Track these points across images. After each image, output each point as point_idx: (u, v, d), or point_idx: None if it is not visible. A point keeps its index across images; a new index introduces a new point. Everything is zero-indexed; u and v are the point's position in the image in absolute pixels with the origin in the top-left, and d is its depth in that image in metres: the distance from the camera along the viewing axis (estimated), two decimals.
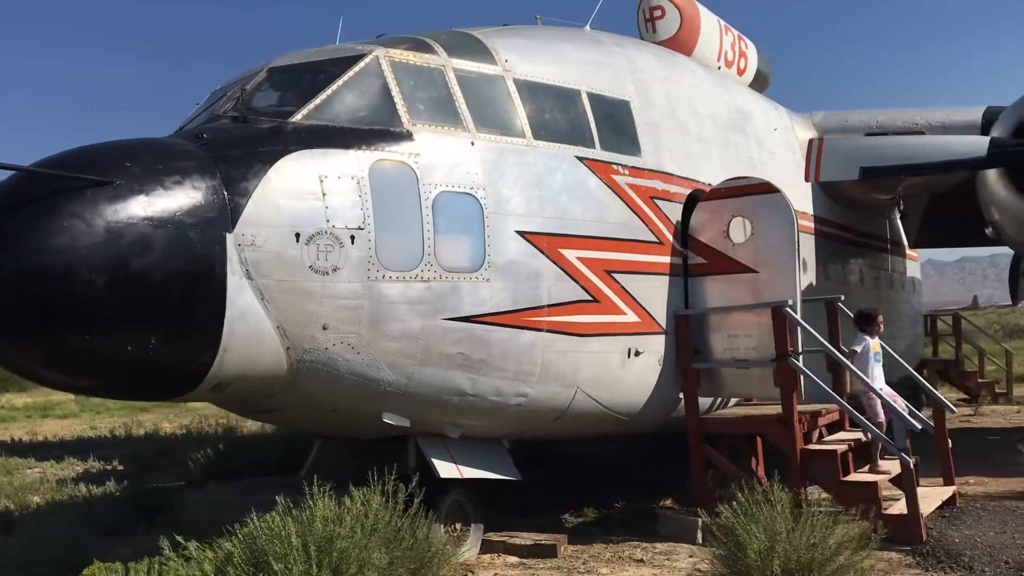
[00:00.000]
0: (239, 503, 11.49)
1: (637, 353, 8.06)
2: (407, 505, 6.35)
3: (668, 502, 9.82)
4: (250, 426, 23.23)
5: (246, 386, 6.22)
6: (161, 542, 6.31)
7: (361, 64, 6.85)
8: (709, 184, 9.19)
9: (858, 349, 8.32)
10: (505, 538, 8.08)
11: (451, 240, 6.76)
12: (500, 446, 7.96)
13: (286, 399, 6.53)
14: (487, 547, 7.96)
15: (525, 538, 8.07)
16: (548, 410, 7.61)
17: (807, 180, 10.54)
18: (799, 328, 8.05)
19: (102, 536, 9.59)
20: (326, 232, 6.18)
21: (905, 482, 7.40)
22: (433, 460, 7.19)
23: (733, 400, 9.30)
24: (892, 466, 8.09)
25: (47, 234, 5.24)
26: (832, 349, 8.27)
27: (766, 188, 8.44)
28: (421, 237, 6.59)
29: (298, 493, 11.08)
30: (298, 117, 6.52)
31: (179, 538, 6.41)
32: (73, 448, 19.18)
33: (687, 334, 8.42)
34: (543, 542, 7.96)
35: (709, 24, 11.48)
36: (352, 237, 6.28)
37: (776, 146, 11.34)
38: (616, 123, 8.27)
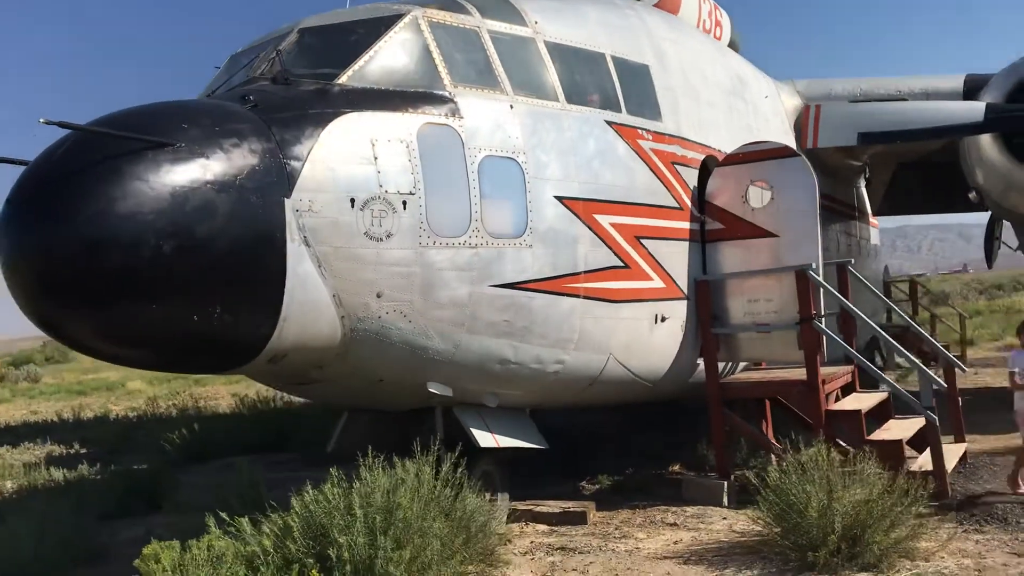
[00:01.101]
0: (229, 481, 11.37)
1: (663, 319, 8.14)
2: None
3: (677, 467, 10.01)
4: (209, 406, 22.83)
5: (300, 357, 6.09)
6: (207, 519, 6.17)
7: (400, 24, 6.71)
8: (720, 150, 9.30)
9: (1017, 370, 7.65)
10: (531, 507, 8.12)
11: (496, 206, 6.71)
12: (525, 415, 7.97)
13: (336, 370, 6.41)
14: (512, 516, 8.00)
15: (552, 506, 8.12)
16: (583, 377, 7.64)
17: (805, 146, 10.74)
18: (821, 291, 8.23)
19: (102, 520, 9.35)
20: (380, 197, 6.07)
21: (931, 439, 7.65)
22: (472, 430, 7.16)
23: (741, 365, 9.48)
24: (902, 426, 8.41)
25: (112, 199, 5.03)
26: (854, 309, 8.47)
27: (785, 152, 8.58)
28: (468, 203, 6.53)
29: (302, 468, 10.96)
30: (343, 79, 6.36)
31: (223, 515, 6.27)
32: (23, 433, 18.55)
33: (707, 299, 8.53)
34: (571, 509, 8.04)
35: None
36: (404, 203, 6.18)
37: (769, 113, 11.51)
38: (639, 88, 8.29)
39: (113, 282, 5.07)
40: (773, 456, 8.43)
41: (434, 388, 6.81)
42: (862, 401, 8.53)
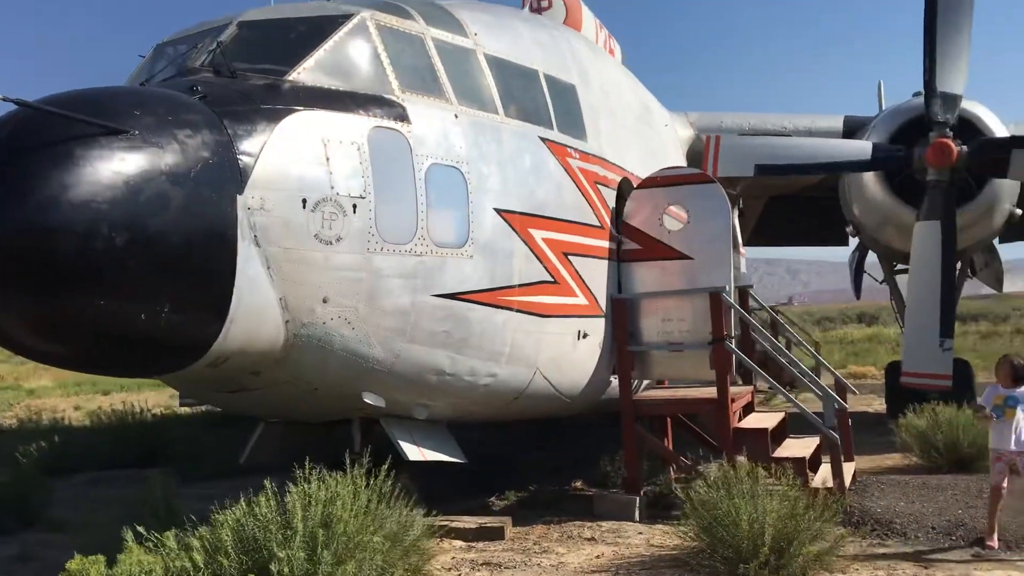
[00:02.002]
0: (109, 497, 10.73)
1: (585, 335, 8.30)
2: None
3: (579, 484, 10.17)
4: (57, 417, 21.42)
5: (240, 362, 5.86)
6: (125, 533, 5.81)
7: (350, 24, 6.62)
8: (632, 172, 9.60)
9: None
10: (447, 522, 8.04)
11: (440, 214, 6.68)
12: (444, 429, 7.92)
13: (272, 376, 6.20)
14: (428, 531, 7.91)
15: (468, 521, 8.07)
16: (510, 391, 7.69)
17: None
18: (732, 312, 8.60)
19: None
20: (331, 200, 5.94)
21: (833, 458, 8.13)
22: (400, 442, 7.06)
23: (644, 383, 9.76)
24: (801, 444, 8.90)
25: (64, 185, 4.72)
26: (762, 331, 8.91)
27: (702, 179, 8.95)
28: (416, 210, 6.48)
29: (182, 484, 10.46)
30: (293, 75, 6.21)
31: (140, 528, 5.93)
32: None
33: (623, 317, 8.75)
34: (488, 524, 8.02)
35: (587, 19, 11.91)
36: (354, 206, 6.07)
37: (668, 140, 12.00)
38: (567, 106, 8.47)
39: (61, 273, 4.75)
40: (674, 470, 8.74)
41: (368, 398, 6.69)
42: (764, 420, 8.95)
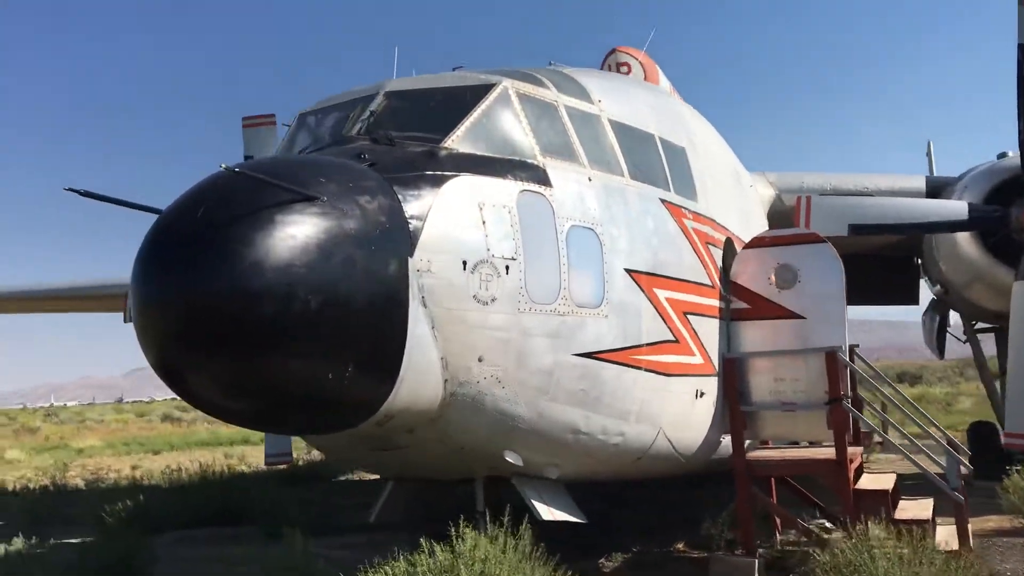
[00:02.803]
0: (204, 556, 10.84)
1: (702, 394, 8.40)
2: None
3: (681, 546, 10.19)
4: (122, 476, 21.62)
5: (403, 421, 6.02)
6: None
7: (494, 94, 6.90)
8: (734, 232, 9.78)
9: None
10: None
11: (580, 275, 6.87)
12: (564, 489, 8.01)
13: (423, 435, 6.34)
14: None
15: None
16: (635, 450, 7.78)
17: None
18: (848, 372, 8.68)
19: None
20: (487, 261, 6.15)
21: (959, 520, 8.11)
22: (534, 502, 7.15)
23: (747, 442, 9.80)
24: (919, 506, 8.87)
25: (267, 249, 4.97)
26: (882, 391, 8.95)
27: (812, 239, 9.09)
28: (558, 271, 6.67)
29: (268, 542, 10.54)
30: (448, 143, 6.47)
31: None
32: None
33: (734, 377, 8.85)
34: None
35: (663, 82, 12.26)
36: (507, 267, 6.27)
37: (754, 201, 12.20)
38: (679, 168, 8.69)
39: (262, 335, 4.97)
40: (780, 531, 8.75)
41: (510, 457, 6.81)
42: (880, 482, 8.96)
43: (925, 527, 8.16)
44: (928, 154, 24.37)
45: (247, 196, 5.09)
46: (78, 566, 9.53)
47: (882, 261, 16.19)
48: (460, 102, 6.86)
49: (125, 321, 14.14)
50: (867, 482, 9.04)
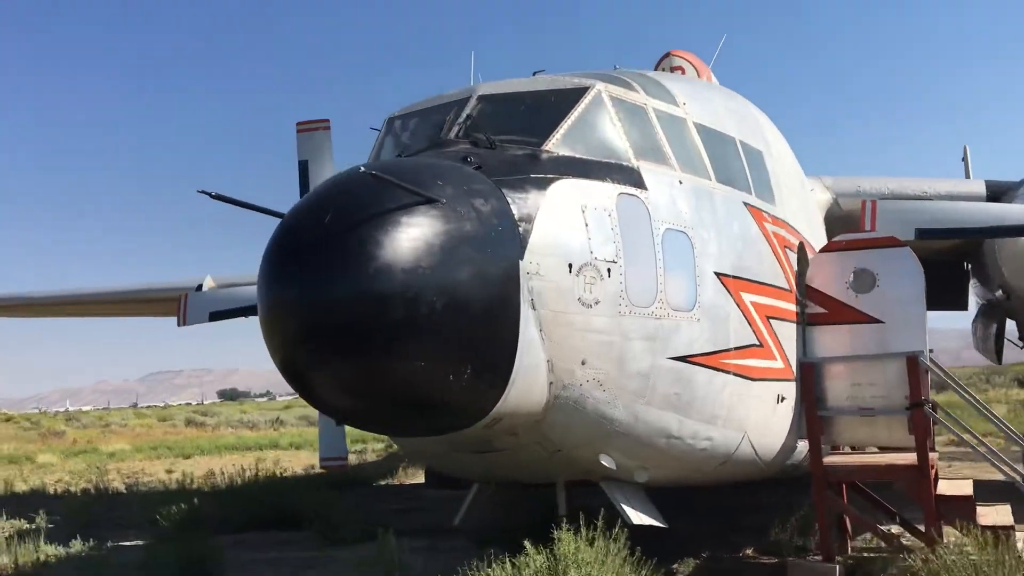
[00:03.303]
0: (272, 560, 10.89)
1: (782, 399, 8.41)
2: None
3: (750, 551, 10.16)
4: (158, 480, 21.76)
5: (510, 423, 6.06)
6: None
7: (588, 97, 6.95)
8: (804, 236, 9.78)
9: None
10: None
11: (674, 278, 6.90)
12: (644, 493, 8.02)
13: (524, 438, 6.38)
14: None
15: None
16: (720, 455, 7.79)
17: None
18: (929, 376, 8.66)
19: None
20: (591, 264, 6.19)
21: None
22: (624, 506, 7.17)
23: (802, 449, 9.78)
24: (998, 511, 8.82)
25: (396, 251, 5.06)
26: (969, 394, 8.93)
27: (891, 243, 9.08)
28: (655, 274, 6.71)
29: (325, 548, 10.55)
30: (548, 146, 6.52)
31: None
32: None
33: (811, 382, 8.84)
34: None
35: (715, 84, 12.26)
36: (609, 270, 6.31)
37: (813, 205, 12.19)
38: (758, 171, 8.71)
39: (395, 338, 5.04)
40: (851, 537, 8.72)
41: (604, 461, 6.84)
42: (959, 487, 8.92)
43: (1009, 533, 8.11)
44: (964, 159, 24.28)
45: (374, 198, 5.16)
46: (150, 566, 9.60)
47: (930, 267, 16.13)
48: (555, 105, 6.91)
49: (179, 324, 14.26)
50: (946, 487, 8.99)
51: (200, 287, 16.77)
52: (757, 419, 8.02)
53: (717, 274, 7.43)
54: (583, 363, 6.21)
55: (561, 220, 6.10)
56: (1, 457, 31.02)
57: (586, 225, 6.24)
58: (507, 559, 6.24)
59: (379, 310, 4.96)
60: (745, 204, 8.15)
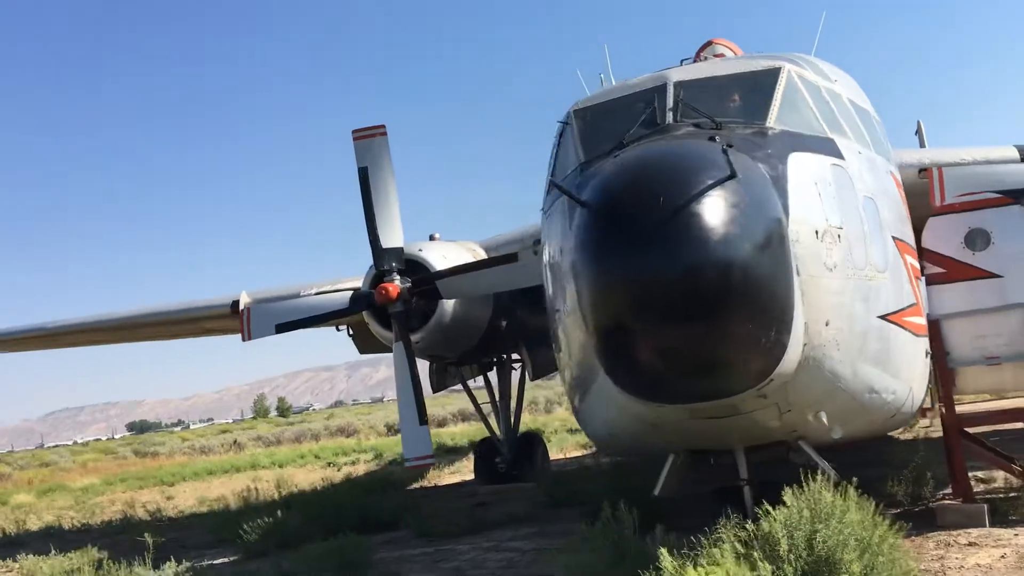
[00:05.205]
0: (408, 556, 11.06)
1: (928, 354, 9.06)
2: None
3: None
4: (178, 505, 21.36)
5: (773, 385, 6.46)
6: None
7: (783, 76, 7.47)
8: None
9: None
10: None
11: (874, 241, 7.47)
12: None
13: (769, 399, 6.78)
14: None
15: None
16: (895, 407, 8.39)
17: (934, 203, 12.14)
18: None
19: None
20: (828, 231, 6.70)
21: None
22: (824, 463, 7.64)
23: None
24: None
25: (717, 225, 5.61)
26: None
27: (1003, 201, 9.84)
28: (864, 238, 7.25)
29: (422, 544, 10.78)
30: (770, 123, 6.99)
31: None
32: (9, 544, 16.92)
33: (939, 336, 9.53)
34: None
35: None
36: (839, 235, 6.84)
37: None
38: (884, 139, 9.41)
39: (728, 303, 5.51)
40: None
41: (824, 419, 7.31)
42: None
43: None
44: (918, 133, 25.57)
45: (694, 174, 5.60)
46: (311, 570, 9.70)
47: None
48: (754, 86, 7.41)
49: (244, 339, 14.18)
50: None
51: (236, 303, 16.72)
52: (917, 373, 8.66)
53: (894, 238, 8.03)
54: (827, 324, 6.70)
55: (805, 190, 6.60)
56: None
57: (819, 195, 6.75)
58: (764, 513, 6.59)
59: (716, 279, 5.46)
60: (888, 171, 8.79)
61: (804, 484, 6.91)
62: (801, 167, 6.70)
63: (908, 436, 16.55)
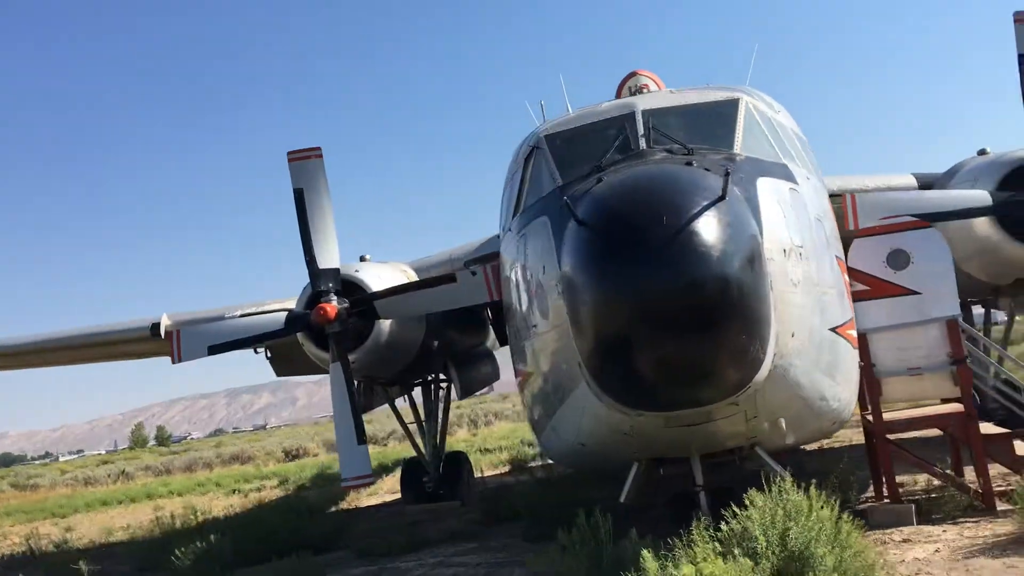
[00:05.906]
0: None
1: (861, 365, 9.75)
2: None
3: None
4: (130, 524, 20.59)
5: (745, 395, 6.91)
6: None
7: (742, 107, 8.02)
8: None
9: None
10: None
11: (824, 258, 8.08)
12: None
13: (740, 407, 7.24)
14: None
15: None
16: (838, 415, 9.03)
17: (847, 228, 13.01)
18: (964, 336, 10.31)
19: None
20: (792, 249, 7.25)
21: None
22: (778, 467, 8.17)
23: None
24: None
25: (712, 243, 6.06)
26: (996, 346, 10.62)
27: (919, 225, 10.68)
28: (817, 255, 7.83)
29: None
30: (736, 149, 7.51)
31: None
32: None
33: (866, 349, 10.27)
34: None
35: None
36: (800, 254, 7.39)
37: None
38: (815, 164, 10.07)
39: (726, 315, 5.95)
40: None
41: (783, 425, 7.84)
42: (996, 428, 10.63)
43: None
44: None
45: (687, 195, 6.04)
46: None
47: None
48: (716, 115, 7.93)
49: (174, 362, 13.93)
50: (986, 429, 10.67)
51: (157, 325, 16.38)
52: (854, 383, 9.32)
53: (835, 257, 8.68)
54: (792, 335, 7.22)
55: (774, 212, 7.14)
56: None
57: (784, 216, 7.29)
58: (747, 511, 7.04)
59: (718, 293, 5.90)
60: (826, 195, 9.48)
61: (767, 486, 7.40)
62: (768, 190, 7.23)
63: (813, 447, 17.51)
